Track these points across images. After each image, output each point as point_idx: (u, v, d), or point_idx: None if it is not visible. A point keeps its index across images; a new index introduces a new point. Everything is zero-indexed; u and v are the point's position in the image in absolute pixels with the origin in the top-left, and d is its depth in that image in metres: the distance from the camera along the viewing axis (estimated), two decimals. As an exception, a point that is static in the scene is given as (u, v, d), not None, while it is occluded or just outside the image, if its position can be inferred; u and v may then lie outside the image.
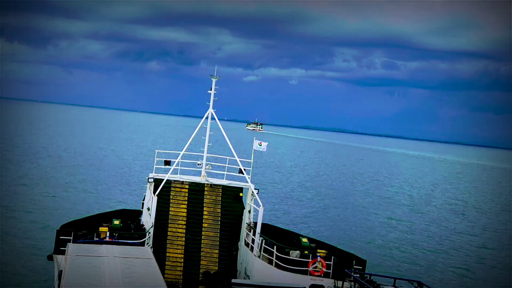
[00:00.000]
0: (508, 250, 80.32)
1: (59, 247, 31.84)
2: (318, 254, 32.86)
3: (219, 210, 39.00)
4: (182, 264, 37.21)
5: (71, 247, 28.13)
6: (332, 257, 32.67)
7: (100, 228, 34.04)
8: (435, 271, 62.95)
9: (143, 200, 40.39)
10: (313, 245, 35.91)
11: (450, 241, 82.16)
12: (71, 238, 32.49)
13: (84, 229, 34.01)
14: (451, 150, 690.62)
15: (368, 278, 27.55)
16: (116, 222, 35.72)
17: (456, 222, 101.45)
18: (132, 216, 40.48)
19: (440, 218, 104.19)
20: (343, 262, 32.48)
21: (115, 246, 29.36)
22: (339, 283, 30.18)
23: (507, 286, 60.26)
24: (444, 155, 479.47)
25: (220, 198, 39.39)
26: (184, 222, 38.28)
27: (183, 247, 37.64)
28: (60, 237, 32.51)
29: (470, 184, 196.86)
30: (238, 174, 40.03)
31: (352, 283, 27.75)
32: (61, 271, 24.70)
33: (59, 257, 30.44)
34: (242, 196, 39.92)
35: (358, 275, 27.92)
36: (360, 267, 32.48)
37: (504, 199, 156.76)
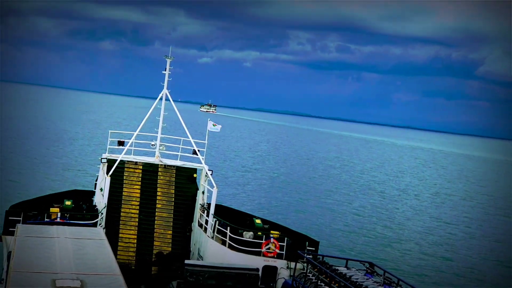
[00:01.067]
0: (455, 226, 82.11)
1: (8, 228, 31.29)
2: (271, 236, 32.98)
3: (173, 191, 38.82)
4: (135, 245, 36.96)
5: (20, 228, 27.64)
6: (285, 238, 32.83)
7: (51, 208, 33.51)
8: (387, 253, 64.04)
9: (96, 180, 39.92)
10: (266, 226, 36.04)
11: (401, 223, 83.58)
12: (21, 218, 31.95)
13: (35, 210, 33.44)
14: (405, 135, 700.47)
15: (320, 259, 27.78)
16: (68, 202, 35.22)
17: (408, 204, 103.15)
18: (84, 197, 39.96)
19: (392, 200, 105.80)
20: (296, 244, 32.67)
21: (66, 227, 28.98)
22: (292, 264, 30.37)
23: (451, 259, 61.68)
24: (399, 140, 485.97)
25: (174, 179, 39.18)
26: (138, 203, 37.99)
27: (136, 228, 37.37)
28: (9, 218, 31.93)
29: (424, 167, 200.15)
30: (192, 155, 39.83)
31: (305, 264, 27.94)
32: (10, 252, 24.28)
33: (8, 238, 29.93)
34: (196, 177, 39.78)
35: (311, 256, 28.13)
36: (313, 249, 32.74)
37: (456, 182, 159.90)
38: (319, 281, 25.76)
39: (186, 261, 28.47)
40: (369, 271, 27.15)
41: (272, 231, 33.95)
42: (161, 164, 39.21)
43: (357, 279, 25.26)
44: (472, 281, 57.38)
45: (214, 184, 36.00)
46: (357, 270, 27.06)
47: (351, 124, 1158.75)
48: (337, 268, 26.60)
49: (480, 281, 57.83)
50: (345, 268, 26.92)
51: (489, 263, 65.66)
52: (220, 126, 40.79)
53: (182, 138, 39.49)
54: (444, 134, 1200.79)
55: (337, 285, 24.76)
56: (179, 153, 40.08)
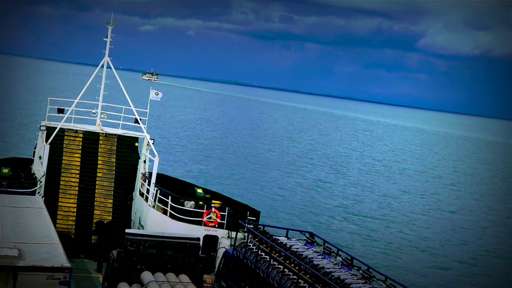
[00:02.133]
0: (394, 196, 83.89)
1: None
2: (212, 205, 33.05)
3: (114, 160, 38.45)
4: (75, 214, 36.57)
5: (-44, 195, 27.07)
6: (227, 208, 32.97)
7: (-13, 176, 32.86)
8: (327, 223, 65.04)
9: (35, 148, 39.24)
10: (207, 196, 36.11)
11: (341, 193, 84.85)
12: None
13: (-29, 178, 32.73)
14: (348, 106, 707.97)
15: (261, 229, 28.00)
16: (5, 170, 34.57)
17: (348, 175, 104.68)
18: (22, 165, 39.22)
19: (333, 171, 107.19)
20: (237, 213, 32.85)
21: (4, 195, 28.49)
22: (233, 234, 30.56)
23: (388, 226, 63.11)
24: (343, 111, 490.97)
25: (115, 147, 38.78)
26: (78, 172, 37.52)
27: (76, 197, 36.95)
28: None
29: (366, 138, 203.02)
30: (133, 124, 39.48)
31: (246, 234, 28.14)
32: None
33: None
34: (137, 146, 39.47)
35: (251, 226, 28.32)
36: (254, 218, 32.96)
37: (398, 153, 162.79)
38: (259, 251, 25.99)
39: (127, 230, 28.29)
40: (309, 241, 27.49)
41: (213, 201, 34.04)
42: (102, 133, 38.74)
43: (297, 248, 25.59)
44: (398, 240, 58.89)
45: (156, 153, 35.80)
46: (297, 240, 27.40)
47: (293, 94, 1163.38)
48: (277, 238, 26.88)
49: (403, 239, 59.42)
50: (286, 238, 27.22)
51: (413, 220, 67.45)
52: (161, 94, 40.41)
53: (123, 107, 39.05)
54: (384, 106, 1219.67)
55: (277, 254, 25.04)
56: (121, 122, 39.64)
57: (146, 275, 26.07)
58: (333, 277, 22.03)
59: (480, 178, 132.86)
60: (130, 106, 38.10)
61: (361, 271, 23.44)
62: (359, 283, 22.07)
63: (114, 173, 38.20)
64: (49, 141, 35.96)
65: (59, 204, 36.43)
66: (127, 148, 39.03)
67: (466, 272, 54.56)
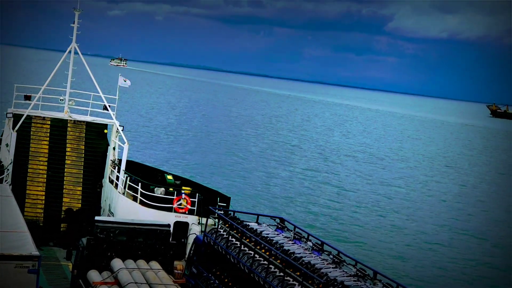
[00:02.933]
0: (365, 180, 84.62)
1: None
2: (182, 192, 33.00)
3: (83, 147, 38.18)
4: (43, 201, 36.28)
5: None
6: (197, 194, 32.94)
7: (-48, 165, 32.43)
8: (297, 209, 65.37)
9: (1, 136, 38.77)
10: (178, 182, 36.06)
11: (311, 178, 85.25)
12: None
13: None
14: (315, 90, 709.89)
15: (232, 215, 28.04)
16: (-30, 158, 34.16)
17: (318, 160, 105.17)
18: (-12, 153, 38.78)
19: (302, 156, 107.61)
20: (207, 199, 32.86)
21: (-30, 184, 28.11)
22: (203, 220, 30.55)
23: (358, 212, 63.72)
24: (311, 95, 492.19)
25: (84, 134, 38.50)
26: (46, 159, 37.19)
27: (44, 185, 36.65)
28: None
29: (330, 121, 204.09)
30: (102, 111, 39.18)
31: (216, 220, 28.16)
32: None
33: None
34: (106, 133, 39.21)
35: (222, 212, 28.34)
36: (225, 204, 32.99)
37: (363, 134, 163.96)
38: (230, 237, 26.05)
39: (96, 218, 28.18)
40: (279, 226, 27.61)
41: (183, 187, 34.00)
42: (71, 120, 38.41)
43: (268, 234, 25.68)
44: (367, 225, 59.53)
45: (125, 140, 35.62)
46: (268, 225, 27.49)
47: (263, 79, 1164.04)
48: (248, 223, 26.94)
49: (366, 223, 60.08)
50: (256, 224, 27.29)
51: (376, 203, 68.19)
52: (129, 81, 40.16)
53: (92, 93, 38.71)
54: (352, 89, 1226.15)
55: (248, 240, 25.11)
56: (89, 109, 39.33)
57: (116, 262, 26.01)
58: (303, 262, 22.17)
59: (443, 158, 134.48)
60: (99, 93, 37.78)
61: (331, 256, 23.63)
62: (330, 267, 22.24)
63: (83, 160, 37.95)
64: (16, 128, 35.57)
65: (27, 192, 36.10)
66: (96, 135, 38.77)
67: (432, 254, 55.31)
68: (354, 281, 21.29)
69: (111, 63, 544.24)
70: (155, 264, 26.62)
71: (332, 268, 22.31)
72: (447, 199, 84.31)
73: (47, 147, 37.44)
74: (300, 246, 24.82)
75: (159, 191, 33.19)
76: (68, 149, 37.83)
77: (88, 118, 38.92)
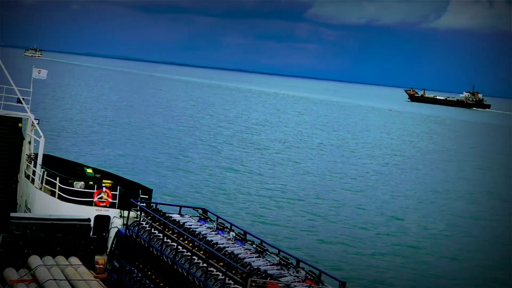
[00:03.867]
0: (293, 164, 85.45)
1: None
2: (103, 185, 32.44)
3: (-4, 142, 36.93)
4: (-46, 199, 34.95)
5: None
6: (118, 187, 32.45)
7: None
8: (220, 199, 65.41)
9: None
10: (98, 175, 35.39)
11: (235, 168, 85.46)
12: None
13: None
14: (236, 78, 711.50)
15: (154, 207, 27.72)
16: None
17: (240, 148, 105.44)
18: None
19: (226, 145, 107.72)
20: (129, 192, 32.41)
21: None
22: (125, 213, 30.11)
23: (287, 199, 64.31)
24: (233, 83, 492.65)
25: (-3, 129, 37.25)
26: (-44, 155, 35.79)
27: (-45, 181, 35.31)
28: None
29: (251, 108, 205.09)
30: (16, 104, 37.95)
31: (138, 213, 27.79)
32: None
33: None
34: (21, 127, 38.02)
35: (144, 205, 27.99)
36: (146, 197, 32.60)
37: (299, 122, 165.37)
38: (152, 229, 25.76)
39: (12, 214, 27.36)
40: (202, 217, 27.51)
41: (104, 180, 33.37)
42: (-18, 114, 37.04)
43: (191, 225, 25.53)
44: (289, 214, 60.19)
45: (41, 134, 34.68)
46: (190, 216, 27.32)
47: (184, 68, 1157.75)
48: (170, 215, 26.70)
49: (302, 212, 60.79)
50: (179, 215, 27.10)
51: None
52: (47, 71, 39.07)
53: (4, 86, 37.43)
54: (274, 76, 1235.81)
55: (170, 232, 24.89)
56: (2, 102, 37.99)
57: (34, 259, 25.36)
58: (226, 252, 22.13)
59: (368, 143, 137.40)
60: (12, 86, 36.57)
61: (254, 245, 23.68)
62: (253, 257, 22.28)
63: (-4, 155, 36.72)
64: None
65: None
66: (10, 129, 37.52)
67: (353, 240, 56.33)
68: (277, 269, 21.39)
69: (25, 53, 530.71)
70: (75, 260, 26.07)
71: (256, 257, 22.35)
72: (359, 185, 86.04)
73: (-42, 142, 36.05)
74: (223, 236, 24.78)
75: (79, 185, 32.49)
76: (-20, 144, 36.53)
77: (1, 112, 37.63)
